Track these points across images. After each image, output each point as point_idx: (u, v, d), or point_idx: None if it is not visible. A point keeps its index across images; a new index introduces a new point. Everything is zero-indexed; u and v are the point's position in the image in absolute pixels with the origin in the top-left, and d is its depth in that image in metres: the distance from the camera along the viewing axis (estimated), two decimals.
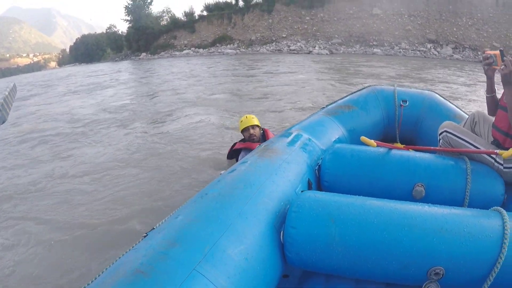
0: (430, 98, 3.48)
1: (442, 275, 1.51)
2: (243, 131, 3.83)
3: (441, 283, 1.54)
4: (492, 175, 2.20)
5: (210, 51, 38.22)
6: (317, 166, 2.47)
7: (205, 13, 43.96)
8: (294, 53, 32.98)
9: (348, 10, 36.65)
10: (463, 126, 2.61)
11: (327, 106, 3.56)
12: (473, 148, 2.33)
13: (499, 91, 2.32)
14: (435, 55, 31.24)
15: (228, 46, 38.65)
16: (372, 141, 2.41)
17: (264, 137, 3.82)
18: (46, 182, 4.58)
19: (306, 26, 37.87)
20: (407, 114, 3.43)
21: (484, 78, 2.36)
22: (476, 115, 2.59)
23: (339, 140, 2.97)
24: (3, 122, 1.12)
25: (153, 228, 1.61)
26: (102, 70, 27.18)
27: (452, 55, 30.74)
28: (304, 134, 2.77)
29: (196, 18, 43.86)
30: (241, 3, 41.96)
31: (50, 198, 4.13)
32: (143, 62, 34.22)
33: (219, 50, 37.64)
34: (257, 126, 3.81)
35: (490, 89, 2.35)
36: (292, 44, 35.97)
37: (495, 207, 1.72)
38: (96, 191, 4.14)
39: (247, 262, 1.48)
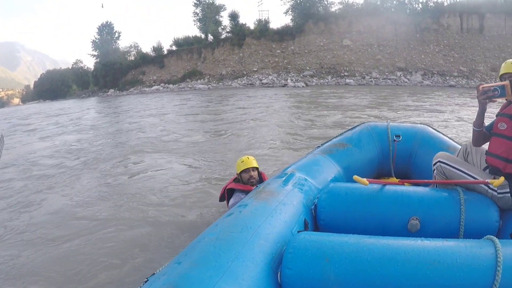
0: (423, 132, 3.58)
1: None
2: (242, 172, 3.66)
3: None
4: (486, 203, 2.24)
5: (180, 86, 38.01)
6: (313, 206, 2.51)
7: (174, 47, 43.44)
8: (268, 86, 33.29)
9: (319, 42, 37.65)
10: (457, 156, 2.68)
11: (322, 145, 3.64)
12: (467, 177, 2.40)
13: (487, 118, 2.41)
14: (406, 82, 32.48)
15: (199, 81, 38.54)
16: (364, 179, 2.46)
17: (260, 180, 3.72)
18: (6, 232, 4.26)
19: (277, 59, 38.45)
20: (401, 148, 3.52)
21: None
22: (468, 145, 2.67)
23: (335, 179, 3.02)
24: None
25: (154, 274, 1.66)
26: (68, 108, 26.52)
27: (422, 82, 32.07)
28: (299, 174, 2.80)
29: (165, 53, 43.35)
30: (211, 38, 41.74)
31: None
32: (111, 99, 33.40)
33: (189, 86, 37.53)
34: (257, 168, 3.71)
35: (480, 124, 2.40)
36: (263, 78, 36.41)
37: (488, 235, 1.75)
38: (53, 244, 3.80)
39: None
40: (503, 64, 2.39)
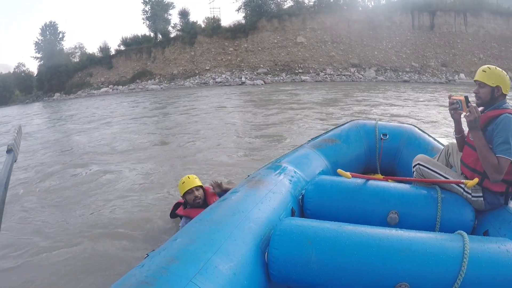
0: (409, 132, 3.78)
1: None
2: (185, 194, 3.52)
3: None
4: (462, 203, 2.41)
5: (130, 87, 36.69)
6: (301, 196, 2.69)
7: (122, 47, 41.26)
8: (224, 85, 32.87)
9: (273, 40, 37.65)
10: (439, 157, 2.90)
11: (312, 139, 3.83)
12: (443, 179, 2.57)
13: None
14: (361, 78, 33.38)
15: (149, 81, 36.94)
16: (348, 173, 2.61)
17: (206, 199, 3.59)
18: None
19: (229, 57, 38.07)
20: (387, 147, 3.71)
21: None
22: (450, 146, 2.86)
23: (322, 172, 3.20)
24: (15, 161, 1.23)
25: (153, 250, 1.87)
26: (9, 115, 24.56)
27: (376, 77, 33.10)
28: (289, 166, 3.00)
29: (113, 53, 41.19)
30: (160, 36, 40.32)
31: None
32: (57, 103, 31.45)
33: (140, 86, 36.07)
34: (201, 187, 3.60)
35: (458, 130, 2.64)
36: (217, 76, 36.03)
37: (459, 231, 1.93)
38: None
39: (236, 277, 1.68)
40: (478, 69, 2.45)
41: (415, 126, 3.96)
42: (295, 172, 2.95)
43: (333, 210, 2.49)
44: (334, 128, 4.04)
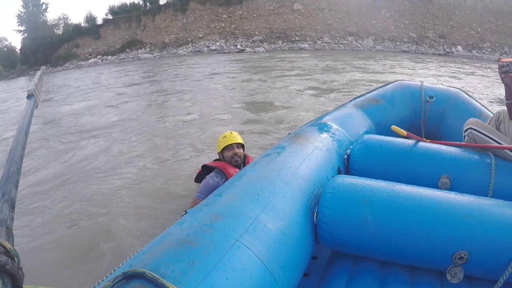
0: (456, 96, 3.63)
1: (466, 259, 1.61)
2: (224, 149, 3.29)
3: (465, 268, 1.63)
4: None
5: (120, 57, 35.72)
6: (346, 155, 2.61)
7: (110, 16, 39.79)
8: (222, 52, 32.15)
9: (269, 7, 37.04)
10: (489, 124, 2.74)
11: (354, 98, 3.72)
12: (497, 145, 2.49)
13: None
14: (359, 47, 33.16)
15: (140, 50, 35.70)
16: (403, 130, 2.55)
17: (244, 162, 3.34)
18: None
19: (223, 25, 37.32)
20: (433, 110, 3.60)
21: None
22: (501, 113, 2.70)
23: (366, 132, 3.10)
24: (37, 106, 1.22)
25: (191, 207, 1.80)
26: None
27: (374, 47, 32.95)
28: (333, 125, 2.93)
29: (100, 22, 39.68)
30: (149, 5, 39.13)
31: None
32: (44, 76, 29.71)
33: (130, 56, 35.11)
34: (242, 145, 3.37)
35: (510, 95, 2.44)
36: (211, 44, 35.29)
37: None
38: None
39: (285, 237, 1.60)
40: None
41: (462, 90, 3.78)
42: (338, 130, 2.86)
43: (380, 171, 2.38)
44: (378, 87, 3.91)
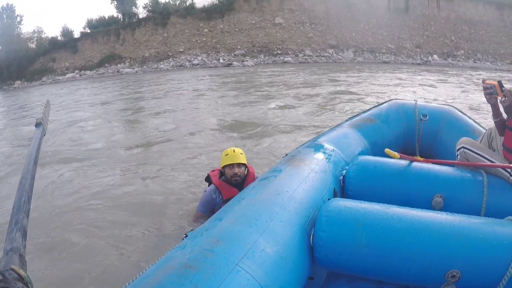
0: (449, 113, 3.71)
1: (459, 278, 1.65)
2: (225, 167, 3.32)
3: (457, 286, 1.68)
4: (508, 188, 2.36)
5: (99, 72, 34.96)
6: (342, 176, 2.65)
7: (88, 30, 38.92)
8: (206, 67, 31.86)
9: (250, 20, 37.31)
10: (481, 141, 2.81)
11: (350, 118, 3.77)
12: (489, 163, 2.53)
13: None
14: (341, 59, 33.98)
15: (119, 65, 34.99)
16: (396, 153, 2.62)
17: (245, 179, 3.36)
18: None
19: (205, 39, 37.29)
20: (426, 128, 3.65)
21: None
22: (493, 130, 2.77)
23: (361, 152, 3.16)
24: (44, 134, 1.24)
25: (192, 230, 1.81)
26: None
27: (355, 58, 33.92)
28: (329, 146, 2.96)
29: (78, 36, 38.79)
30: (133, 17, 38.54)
31: None
32: (19, 92, 28.86)
33: (110, 71, 34.26)
34: (244, 165, 3.36)
35: (496, 114, 2.55)
36: (192, 59, 35.17)
37: (509, 216, 1.87)
38: None
39: (282, 260, 1.64)
40: None
41: (455, 108, 3.87)
42: (334, 151, 2.90)
43: (376, 192, 2.43)
44: (373, 107, 3.99)
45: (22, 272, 0.69)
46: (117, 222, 3.95)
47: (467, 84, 15.92)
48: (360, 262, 1.80)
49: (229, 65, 31.68)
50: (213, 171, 3.55)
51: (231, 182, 3.29)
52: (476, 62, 32.69)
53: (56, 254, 3.45)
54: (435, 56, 34.17)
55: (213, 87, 16.91)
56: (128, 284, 1.37)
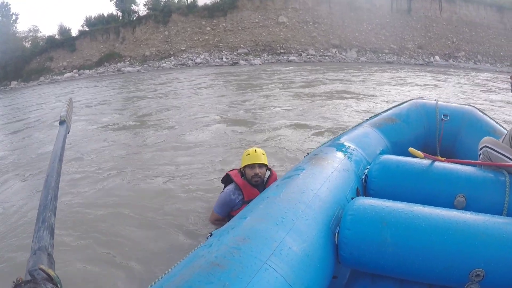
0: (471, 113, 3.72)
1: (483, 277, 1.66)
2: (246, 167, 3.30)
3: (482, 285, 1.68)
4: None
5: (99, 71, 34.37)
6: (364, 176, 2.67)
7: (86, 28, 38.34)
8: (212, 65, 31.47)
9: (254, 19, 37.21)
10: (502, 141, 2.79)
11: (370, 118, 3.78)
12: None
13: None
14: (344, 59, 34.07)
15: (119, 64, 34.45)
16: (420, 152, 2.64)
17: (267, 182, 3.35)
18: None
19: (207, 37, 36.99)
20: (447, 128, 3.66)
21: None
22: None
23: (382, 152, 3.18)
24: (68, 132, 1.26)
25: (216, 229, 1.83)
26: None
27: (359, 58, 34.03)
28: (350, 145, 2.99)
29: (76, 34, 38.20)
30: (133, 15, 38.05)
31: None
32: (15, 92, 27.81)
33: (109, 70, 33.66)
34: (265, 165, 3.34)
35: None
36: (195, 57, 34.92)
37: None
38: None
39: (308, 258, 1.66)
40: None
41: (476, 108, 3.88)
42: (356, 150, 2.93)
43: (398, 191, 2.43)
44: (393, 106, 4.00)
45: (51, 272, 0.68)
46: (127, 225, 3.93)
47: (477, 85, 16.15)
48: (384, 261, 1.82)
49: (235, 63, 31.48)
50: (231, 171, 3.50)
51: (251, 182, 3.28)
52: (476, 64, 33.15)
53: (80, 254, 3.47)
54: (437, 57, 34.52)
55: (223, 85, 16.57)
56: (156, 282, 1.37)
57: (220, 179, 3.66)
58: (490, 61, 34.05)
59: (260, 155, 3.29)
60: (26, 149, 7.95)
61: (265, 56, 34.27)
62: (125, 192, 4.75)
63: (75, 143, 7.43)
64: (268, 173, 3.47)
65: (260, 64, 30.75)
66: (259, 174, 3.25)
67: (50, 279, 0.67)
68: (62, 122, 1.24)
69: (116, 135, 8.31)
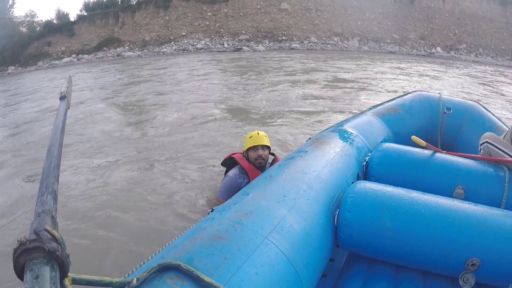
0: (474, 109, 3.72)
1: (478, 266, 1.67)
2: (249, 149, 3.29)
3: (477, 275, 1.70)
4: None
5: (98, 56, 33.71)
6: (365, 162, 2.69)
7: (84, 12, 37.65)
8: (215, 51, 30.91)
9: (256, 5, 36.76)
10: (504, 138, 2.83)
11: (374, 107, 3.80)
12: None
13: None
14: (346, 47, 33.89)
15: (118, 49, 33.79)
16: (422, 141, 2.67)
17: (270, 165, 3.34)
18: None
19: (207, 23, 36.50)
20: (450, 121, 3.67)
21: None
22: None
23: (384, 140, 3.19)
24: (68, 108, 1.29)
25: (217, 205, 1.88)
26: None
27: (361, 47, 33.89)
28: (353, 131, 3.01)
29: (75, 18, 37.54)
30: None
31: None
32: (12, 77, 27.17)
33: (109, 54, 33.28)
34: (268, 147, 3.35)
35: None
36: (196, 43, 34.45)
37: None
38: None
39: (308, 236, 1.69)
40: None
41: (480, 104, 3.90)
42: (358, 137, 2.96)
43: (398, 179, 2.45)
44: (397, 97, 4.04)
45: (55, 233, 0.70)
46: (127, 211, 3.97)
47: (482, 78, 16.47)
48: (382, 245, 1.84)
49: (238, 49, 31.09)
50: (234, 154, 3.48)
51: (255, 165, 3.28)
52: (477, 57, 33.23)
53: (84, 225, 3.61)
54: (439, 49, 34.58)
55: (227, 71, 16.47)
56: (157, 252, 1.38)
57: (221, 162, 3.68)
58: (491, 55, 34.10)
59: (263, 137, 3.32)
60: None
61: (267, 43, 33.91)
62: (124, 178, 4.77)
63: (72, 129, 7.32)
64: (271, 158, 3.49)
65: (263, 50, 30.46)
66: (263, 155, 3.27)
67: (54, 239, 0.68)
68: (62, 98, 1.28)
69: (115, 119, 8.25)
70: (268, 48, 32.70)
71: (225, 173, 3.47)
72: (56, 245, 0.67)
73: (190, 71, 16.64)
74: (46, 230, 0.69)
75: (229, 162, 3.50)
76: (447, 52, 33.60)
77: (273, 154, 3.49)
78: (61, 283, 0.68)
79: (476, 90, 12.50)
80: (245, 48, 31.42)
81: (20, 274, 0.65)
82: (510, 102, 10.45)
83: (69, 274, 0.73)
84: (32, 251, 0.64)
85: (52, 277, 0.63)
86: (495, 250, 1.66)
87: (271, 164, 3.39)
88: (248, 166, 3.27)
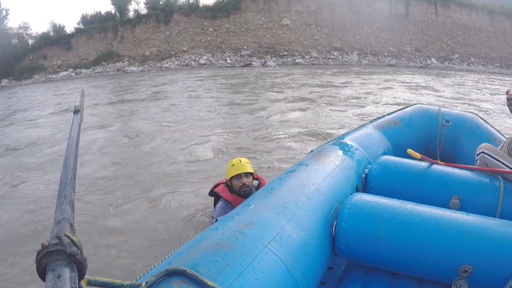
0: (472, 120, 3.78)
1: (471, 273, 1.72)
2: (233, 178, 3.24)
3: (469, 281, 1.75)
4: None
5: (97, 71, 32.85)
6: (364, 174, 2.75)
7: (82, 26, 37.05)
8: (227, 67, 30.89)
9: (257, 21, 37.07)
10: (501, 149, 2.86)
11: (374, 120, 3.87)
12: (507, 169, 2.61)
13: None
14: (347, 61, 34.59)
15: (117, 64, 33.38)
16: (417, 153, 2.73)
17: (257, 187, 3.33)
18: None
19: (209, 38, 36.58)
20: (448, 134, 3.73)
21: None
22: None
23: (384, 153, 3.24)
24: (82, 121, 1.32)
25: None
26: None
27: (360, 61, 34.64)
28: (353, 144, 3.07)
29: (72, 32, 36.78)
30: (131, 14, 37.43)
31: None
32: (5, 91, 26.39)
33: (108, 69, 32.62)
34: (251, 174, 3.28)
35: None
36: (197, 58, 34.57)
37: None
38: None
39: (307, 246, 1.75)
40: None
41: (478, 116, 3.97)
42: (358, 150, 3.02)
43: (396, 191, 2.52)
44: (397, 110, 4.09)
45: (75, 238, 0.76)
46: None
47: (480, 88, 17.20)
48: (378, 254, 1.91)
49: (247, 65, 31.11)
50: (216, 185, 3.43)
51: (240, 194, 3.20)
52: (469, 66, 34.63)
53: (94, 237, 3.81)
54: (434, 60, 36.00)
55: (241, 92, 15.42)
56: (164, 259, 1.45)
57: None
58: (482, 63, 35.60)
59: (245, 164, 3.24)
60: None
61: (268, 58, 34.11)
62: (132, 193, 4.93)
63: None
64: (256, 182, 3.42)
65: (274, 66, 30.29)
66: (247, 183, 3.19)
67: (74, 244, 0.74)
68: (76, 111, 1.31)
69: (125, 131, 8.45)
70: (273, 63, 32.67)
71: (214, 203, 3.46)
72: (75, 249, 0.74)
73: (205, 90, 16.08)
74: (66, 235, 0.75)
75: (215, 193, 3.44)
76: (441, 63, 34.83)
77: (257, 179, 3.44)
78: (79, 284, 0.74)
79: (475, 97, 13.25)
80: (254, 63, 31.44)
81: (42, 274, 0.72)
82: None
83: (86, 276, 0.80)
84: (55, 254, 0.72)
85: (72, 278, 0.70)
86: (486, 257, 1.72)
87: (257, 188, 3.31)
88: (231, 198, 3.20)
